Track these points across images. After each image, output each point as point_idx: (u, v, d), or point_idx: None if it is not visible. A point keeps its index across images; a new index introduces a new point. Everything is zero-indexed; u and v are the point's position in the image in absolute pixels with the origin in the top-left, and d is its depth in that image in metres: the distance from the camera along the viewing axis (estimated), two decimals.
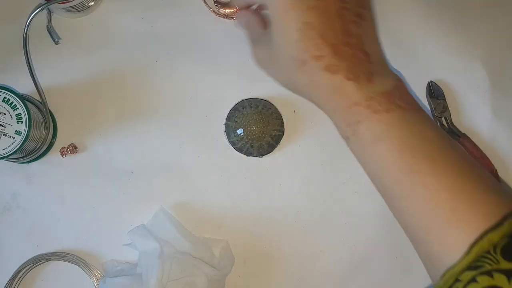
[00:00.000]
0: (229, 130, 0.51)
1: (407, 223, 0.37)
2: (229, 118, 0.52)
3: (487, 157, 0.52)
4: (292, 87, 0.40)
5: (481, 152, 0.52)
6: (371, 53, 0.37)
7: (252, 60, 0.42)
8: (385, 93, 0.36)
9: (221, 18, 0.53)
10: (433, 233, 0.35)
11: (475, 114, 0.53)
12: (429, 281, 0.52)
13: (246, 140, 0.51)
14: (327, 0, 0.37)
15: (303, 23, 0.36)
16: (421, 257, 0.38)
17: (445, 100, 0.53)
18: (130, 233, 0.49)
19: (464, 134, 0.52)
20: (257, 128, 0.51)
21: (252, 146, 0.51)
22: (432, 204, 0.34)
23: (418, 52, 0.54)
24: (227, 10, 0.53)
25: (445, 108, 0.53)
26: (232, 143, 0.51)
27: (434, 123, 0.38)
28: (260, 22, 0.42)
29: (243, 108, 0.51)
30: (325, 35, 0.36)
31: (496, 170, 0.51)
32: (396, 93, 0.36)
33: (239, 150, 0.51)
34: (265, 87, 0.53)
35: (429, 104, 0.53)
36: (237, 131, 0.51)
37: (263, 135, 0.51)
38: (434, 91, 0.53)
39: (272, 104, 0.52)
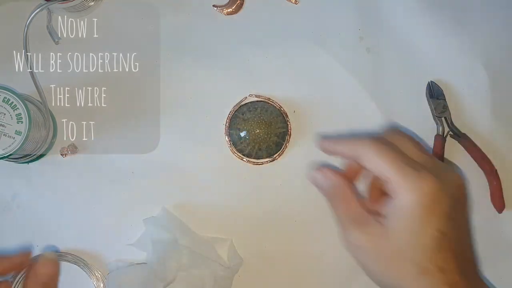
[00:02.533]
0: (234, 139, 0.51)
1: None
2: (231, 127, 0.52)
3: (487, 157, 0.52)
4: (388, 283, 0.37)
5: (481, 152, 0.52)
6: (476, 264, 0.37)
7: (350, 237, 0.38)
8: None
9: (221, 18, 0.53)
10: None
11: (475, 114, 0.53)
12: None
13: (253, 144, 0.51)
14: (464, 210, 0.36)
15: (440, 232, 0.35)
16: None
17: (445, 100, 0.53)
18: (145, 221, 0.50)
19: (464, 134, 0.52)
20: (261, 131, 0.51)
21: (260, 149, 0.51)
22: None
23: (418, 52, 0.54)
24: (230, 9, 0.53)
25: (445, 108, 0.53)
26: (240, 150, 0.51)
27: None
28: (354, 195, 0.39)
29: (242, 114, 0.52)
30: (456, 248, 0.35)
31: (496, 170, 0.51)
32: None
33: (248, 155, 0.51)
34: (265, 87, 0.53)
35: (429, 104, 0.53)
36: (241, 134, 0.51)
37: (269, 135, 0.51)
38: (434, 91, 0.53)
39: (270, 103, 0.52)
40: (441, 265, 0.35)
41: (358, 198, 0.39)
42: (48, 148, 0.52)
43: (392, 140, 0.39)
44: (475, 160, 0.52)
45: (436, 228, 0.35)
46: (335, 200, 0.40)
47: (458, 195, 0.36)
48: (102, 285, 0.50)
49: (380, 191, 0.41)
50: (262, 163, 0.52)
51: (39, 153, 0.51)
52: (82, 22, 0.53)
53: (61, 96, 0.52)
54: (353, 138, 0.40)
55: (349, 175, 0.42)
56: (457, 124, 0.53)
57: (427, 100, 0.53)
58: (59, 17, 0.53)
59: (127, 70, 0.53)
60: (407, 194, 0.35)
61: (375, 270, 0.38)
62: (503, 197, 0.51)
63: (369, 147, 0.37)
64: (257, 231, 0.52)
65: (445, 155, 0.52)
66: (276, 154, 0.52)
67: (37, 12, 0.47)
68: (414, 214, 0.35)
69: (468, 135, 0.52)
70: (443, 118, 0.53)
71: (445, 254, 0.35)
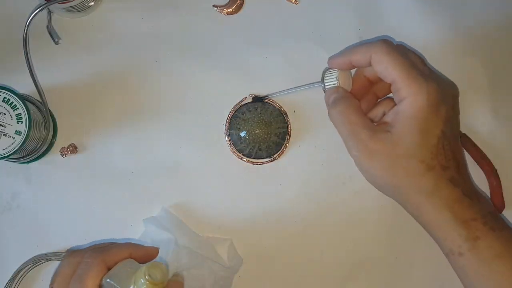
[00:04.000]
0: (234, 139, 0.51)
1: None
2: (231, 127, 0.52)
3: (487, 157, 0.51)
4: (402, 191, 0.41)
5: (481, 152, 0.52)
6: (469, 174, 0.42)
7: (353, 153, 0.42)
8: (493, 213, 0.39)
9: (221, 18, 0.53)
10: None
11: (475, 114, 0.53)
12: (428, 281, 0.52)
13: (253, 144, 0.51)
14: (454, 118, 0.41)
15: (442, 132, 0.39)
16: None
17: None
18: (145, 221, 0.50)
19: (464, 134, 0.52)
20: (261, 131, 0.51)
21: (260, 149, 0.51)
22: None
23: (418, 52, 0.54)
24: (230, 10, 0.53)
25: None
26: (240, 150, 0.51)
27: None
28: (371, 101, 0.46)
29: (242, 114, 0.52)
30: (454, 149, 0.39)
31: (496, 170, 0.51)
32: (498, 214, 0.41)
33: (248, 155, 0.51)
34: (265, 87, 0.53)
35: None
36: (241, 134, 0.51)
37: (269, 135, 0.51)
38: None
39: (270, 103, 0.52)
40: (443, 162, 0.38)
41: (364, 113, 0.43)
42: (48, 148, 0.52)
43: (400, 48, 0.43)
44: (475, 160, 0.52)
45: (440, 128, 0.38)
46: (345, 113, 0.43)
47: (453, 103, 0.41)
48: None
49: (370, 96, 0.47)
50: (262, 163, 0.52)
51: (39, 153, 0.51)
52: (82, 22, 0.53)
53: (61, 96, 0.52)
54: (365, 43, 0.43)
55: (356, 93, 0.46)
56: None
57: None
58: (59, 17, 0.53)
59: (127, 70, 0.53)
60: (416, 96, 0.38)
61: (382, 174, 0.41)
62: (503, 197, 0.51)
63: (381, 47, 0.41)
64: (257, 231, 0.52)
65: None
66: (276, 154, 0.52)
67: (37, 12, 0.47)
68: (421, 116, 0.38)
69: (468, 135, 0.52)
70: None
71: (447, 153, 0.39)
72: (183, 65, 0.53)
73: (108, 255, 0.41)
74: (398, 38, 0.54)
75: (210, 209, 0.52)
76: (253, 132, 0.51)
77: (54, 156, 0.52)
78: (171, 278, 0.44)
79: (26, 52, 0.48)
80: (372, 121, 0.44)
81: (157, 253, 0.45)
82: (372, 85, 0.47)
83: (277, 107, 0.52)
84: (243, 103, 0.52)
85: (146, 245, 0.49)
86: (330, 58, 0.47)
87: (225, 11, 0.54)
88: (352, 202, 0.52)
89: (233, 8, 0.54)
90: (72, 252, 0.43)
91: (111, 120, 0.52)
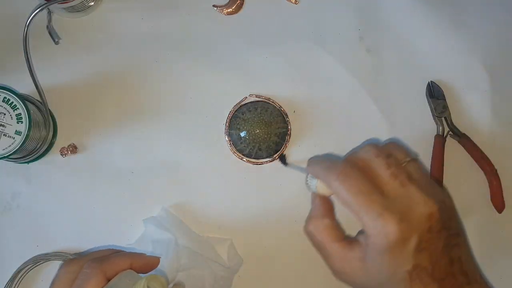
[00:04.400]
0: (234, 139, 0.51)
1: None
2: (231, 127, 0.52)
3: (487, 157, 0.52)
4: None
5: (481, 152, 0.52)
6: (469, 271, 0.38)
7: (332, 270, 0.41)
8: None
9: (221, 18, 0.53)
10: None
11: (475, 114, 0.53)
12: None
13: (253, 144, 0.51)
14: (438, 235, 0.36)
15: (413, 266, 0.36)
16: None
17: (445, 100, 0.53)
18: (145, 221, 0.50)
19: (464, 134, 0.52)
20: (261, 131, 0.51)
21: (260, 149, 0.51)
22: None
23: (418, 52, 0.54)
24: (230, 10, 0.53)
25: (445, 108, 0.53)
26: (240, 150, 0.51)
27: None
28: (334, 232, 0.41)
29: (242, 114, 0.52)
30: (434, 273, 0.36)
31: (496, 170, 0.51)
32: None
33: (248, 155, 0.51)
34: (265, 87, 0.53)
35: (429, 104, 0.53)
36: (241, 134, 0.51)
37: (269, 135, 0.51)
38: (434, 91, 0.53)
39: (270, 103, 0.52)
40: None
41: (339, 234, 0.41)
42: (48, 148, 0.52)
43: (364, 162, 0.39)
44: (475, 160, 0.52)
45: (410, 263, 0.36)
46: (318, 238, 0.41)
47: (429, 225, 0.36)
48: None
49: None
50: (262, 163, 0.52)
51: (39, 153, 0.51)
52: (82, 22, 0.53)
53: (61, 96, 0.52)
54: (328, 164, 0.40)
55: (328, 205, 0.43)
56: (457, 124, 0.53)
57: (427, 100, 0.53)
58: (59, 17, 0.53)
59: (127, 70, 0.53)
60: (375, 237, 0.36)
61: None
62: (503, 197, 0.51)
63: (336, 179, 0.38)
64: (257, 231, 0.52)
65: (445, 155, 0.52)
66: (276, 154, 0.52)
67: (37, 12, 0.47)
68: (385, 256, 0.36)
69: (468, 135, 0.52)
70: (443, 118, 0.53)
71: (423, 281, 0.36)
72: (183, 65, 0.53)
73: (108, 265, 0.40)
74: (398, 38, 0.54)
75: (210, 209, 0.52)
76: (253, 132, 0.51)
77: (54, 156, 0.52)
78: (172, 285, 0.44)
79: (26, 52, 0.48)
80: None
81: (158, 262, 0.44)
82: None
83: (277, 107, 0.52)
84: (243, 103, 0.52)
85: (147, 245, 0.49)
86: (309, 162, 0.44)
87: (225, 11, 0.54)
88: None
89: (233, 8, 0.54)
90: (70, 261, 0.41)
91: (111, 120, 0.52)
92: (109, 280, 0.40)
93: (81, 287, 0.38)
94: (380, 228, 0.35)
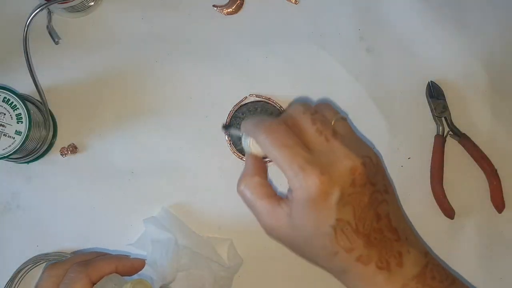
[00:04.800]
0: (234, 139, 0.51)
1: None
2: (230, 127, 0.52)
3: (487, 157, 0.52)
4: (320, 267, 0.39)
5: (481, 152, 0.52)
6: (398, 228, 0.38)
7: (262, 227, 0.40)
8: (418, 276, 0.36)
9: (220, 18, 0.53)
10: None
11: (475, 114, 0.53)
12: None
13: None
14: (362, 190, 0.36)
15: (337, 220, 0.36)
16: None
17: (445, 100, 0.53)
18: (145, 221, 0.50)
19: (464, 134, 0.52)
20: None
21: None
22: None
23: (418, 52, 0.54)
24: (230, 10, 0.53)
25: (445, 108, 0.53)
26: (240, 150, 0.51)
27: None
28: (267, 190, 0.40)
29: (242, 114, 0.52)
30: (358, 227, 0.36)
31: (496, 170, 0.51)
32: (428, 273, 0.37)
33: None
34: (265, 87, 0.53)
35: (429, 104, 0.53)
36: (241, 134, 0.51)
37: None
38: (434, 91, 0.53)
39: (270, 103, 0.52)
40: (346, 245, 0.36)
41: (268, 192, 0.40)
42: (48, 148, 0.52)
43: (292, 117, 0.39)
44: (475, 160, 0.52)
45: (333, 217, 0.35)
46: (248, 196, 0.40)
47: (352, 179, 0.36)
48: None
49: None
50: None
51: (39, 153, 0.51)
52: (82, 22, 0.53)
53: (61, 96, 0.52)
54: (258, 120, 0.39)
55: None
56: (457, 124, 0.53)
57: (427, 100, 0.53)
58: (59, 17, 0.53)
59: (127, 70, 0.53)
60: (298, 190, 0.36)
61: (296, 253, 0.39)
62: (503, 197, 0.51)
63: (263, 133, 0.38)
64: (257, 231, 0.51)
65: (445, 155, 0.52)
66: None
67: (37, 12, 0.47)
68: (308, 211, 0.36)
69: (468, 135, 0.52)
70: (443, 118, 0.53)
71: (348, 236, 0.36)
72: (183, 65, 0.53)
73: (93, 269, 0.40)
74: (398, 38, 0.54)
75: (210, 209, 0.52)
76: None
77: (54, 156, 0.52)
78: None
79: (26, 52, 0.48)
80: None
81: (143, 265, 0.44)
82: None
83: (277, 107, 0.52)
84: (243, 103, 0.52)
85: (147, 245, 0.49)
86: (243, 122, 0.43)
87: (225, 11, 0.54)
88: None
89: (233, 8, 0.54)
90: (54, 265, 0.41)
91: (111, 120, 0.52)
92: (94, 284, 0.40)
93: None
94: (302, 182, 0.35)
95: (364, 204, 0.36)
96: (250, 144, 0.42)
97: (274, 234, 0.39)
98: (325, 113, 0.40)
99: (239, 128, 0.50)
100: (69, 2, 0.49)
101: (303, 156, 0.36)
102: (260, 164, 0.41)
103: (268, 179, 0.41)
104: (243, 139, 0.43)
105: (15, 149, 0.46)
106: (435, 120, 0.53)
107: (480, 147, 0.52)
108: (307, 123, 0.38)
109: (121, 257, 0.44)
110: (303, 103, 0.40)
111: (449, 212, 0.51)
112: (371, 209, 0.36)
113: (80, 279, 0.39)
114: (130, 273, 0.43)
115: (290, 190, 0.37)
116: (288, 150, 0.36)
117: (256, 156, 0.42)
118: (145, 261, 0.45)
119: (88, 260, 0.42)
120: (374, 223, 0.37)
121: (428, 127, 0.53)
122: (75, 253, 0.50)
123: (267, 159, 0.42)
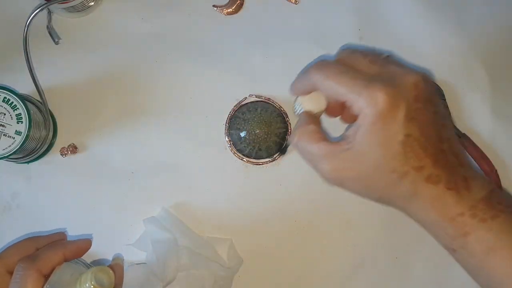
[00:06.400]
0: (234, 139, 0.51)
1: None
2: (231, 127, 0.52)
3: (487, 157, 0.52)
4: (385, 200, 0.39)
5: (481, 152, 0.52)
6: (459, 155, 0.37)
7: (324, 174, 0.38)
8: (485, 199, 0.36)
9: (220, 19, 0.53)
10: None
11: (475, 114, 0.53)
12: (428, 281, 0.52)
13: (253, 144, 0.51)
14: (425, 106, 0.36)
15: (405, 136, 0.35)
16: None
17: (445, 100, 0.53)
18: (145, 221, 0.50)
19: (464, 134, 0.52)
20: (261, 131, 0.51)
21: (260, 149, 0.51)
22: None
23: (418, 52, 0.54)
24: (230, 10, 0.53)
25: (445, 108, 0.53)
26: (240, 151, 0.51)
27: None
28: (318, 134, 0.39)
29: (242, 114, 0.52)
30: (425, 145, 0.36)
31: (496, 170, 0.51)
32: (495, 197, 0.36)
33: (248, 155, 0.51)
34: (265, 86, 0.53)
35: None
36: (241, 134, 0.51)
37: (269, 135, 0.51)
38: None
39: (270, 103, 0.52)
40: (416, 164, 0.35)
41: (323, 136, 0.40)
42: (48, 148, 0.52)
43: (341, 59, 0.40)
44: (475, 160, 0.52)
45: (402, 133, 0.35)
46: (302, 145, 0.40)
47: (415, 94, 0.36)
48: None
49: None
50: (262, 163, 0.52)
51: (39, 153, 0.51)
52: (82, 22, 0.53)
53: (61, 96, 0.52)
54: (306, 70, 0.40)
55: (333, 110, 0.43)
56: (457, 124, 0.53)
57: None
58: (59, 17, 0.53)
59: (127, 70, 0.53)
60: (364, 109, 0.35)
61: (361, 191, 0.39)
62: None
63: (317, 72, 0.38)
64: (257, 231, 0.52)
65: None
66: (276, 154, 0.52)
67: (37, 12, 0.47)
68: (376, 128, 0.35)
69: (468, 135, 0.52)
70: None
71: (417, 153, 0.35)
72: (183, 65, 0.53)
73: (42, 262, 0.39)
74: (397, 37, 0.54)
75: (210, 209, 0.52)
76: (253, 132, 0.51)
77: (54, 156, 0.52)
78: (111, 263, 0.43)
79: (26, 52, 0.48)
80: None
81: (90, 244, 0.43)
82: None
83: (277, 107, 0.52)
84: (243, 103, 0.52)
85: (146, 245, 0.49)
86: (291, 85, 0.43)
87: (225, 11, 0.54)
88: (352, 201, 0.52)
89: (233, 8, 0.54)
90: None
91: (111, 120, 0.52)
92: (45, 276, 0.38)
93: None
94: (367, 99, 0.35)
95: (428, 121, 0.36)
96: (302, 101, 0.42)
97: (337, 175, 0.38)
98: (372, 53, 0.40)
99: (242, 129, 0.50)
100: (69, 2, 0.49)
101: (362, 77, 0.37)
102: (313, 118, 0.41)
103: (321, 127, 0.41)
104: (296, 103, 0.43)
105: (15, 149, 0.46)
106: None
107: (480, 147, 0.52)
108: (359, 58, 0.39)
109: (66, 243, 0.43)
110: (347, 48, 0.40)
111: None
112: (435, 129, 0.36)
113: (30, 275, 0.37)
114: (78, 256, 0.42)
115: (346, 131, 0.37)
116: (345, 75, 0.37)
117: (308, 112, 0.42)
118: (90, 240, 0.43)
119: (34, 254, 0.40)
120: (439, 144, 0.36)
121: None
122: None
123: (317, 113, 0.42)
